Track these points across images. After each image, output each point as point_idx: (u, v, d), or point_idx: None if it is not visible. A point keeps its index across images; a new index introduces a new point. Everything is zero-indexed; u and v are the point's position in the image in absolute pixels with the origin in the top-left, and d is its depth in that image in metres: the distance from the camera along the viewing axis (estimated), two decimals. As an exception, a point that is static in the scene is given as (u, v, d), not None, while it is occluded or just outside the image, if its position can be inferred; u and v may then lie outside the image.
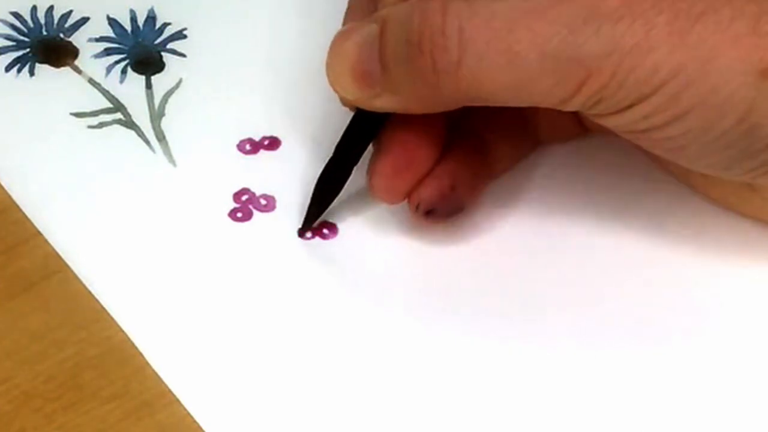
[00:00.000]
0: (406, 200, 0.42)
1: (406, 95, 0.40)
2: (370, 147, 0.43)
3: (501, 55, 0.37)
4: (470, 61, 0.38)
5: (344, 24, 0.43)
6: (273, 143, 0.46)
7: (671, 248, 0.43)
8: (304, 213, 0.43)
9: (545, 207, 0.44)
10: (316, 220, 0.44)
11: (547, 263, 0.43)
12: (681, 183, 0.44)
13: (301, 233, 0.44)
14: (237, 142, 0.46)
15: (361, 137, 0.42)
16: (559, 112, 0.39)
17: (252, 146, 0.46)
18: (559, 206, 0.45)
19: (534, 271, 0.43)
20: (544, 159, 0.46)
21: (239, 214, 0.44)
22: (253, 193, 0.45)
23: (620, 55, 0.36)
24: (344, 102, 0.42)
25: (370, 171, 0.42)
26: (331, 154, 0.43)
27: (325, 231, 0.44)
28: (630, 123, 0.38)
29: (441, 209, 0.42)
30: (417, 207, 0.42)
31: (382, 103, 0.40)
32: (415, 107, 0.40)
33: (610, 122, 0.38)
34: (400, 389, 0.40)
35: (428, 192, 0.42)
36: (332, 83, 0.41)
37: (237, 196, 0.45)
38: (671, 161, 0.41)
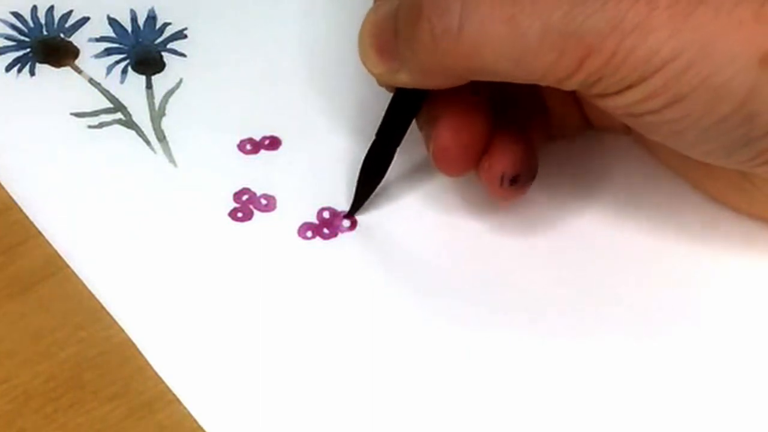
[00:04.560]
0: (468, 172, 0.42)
1: (411, 64, 0.39)
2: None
3: (503, 24, 0.37)
4: (471, 28, 0.37)
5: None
6: (273, 143, 0.46)
7: (675, 246, 0.43)
8: (351, 197, 0.44)
9: (548, 204, 0.44)
10: (363, 204, 0.44)
11: (549, 261, 0.43)
12: (680, 177, 0.44)
13: (350, 216, 0.44)
14: (237, 141, 0.46)
15: (402, 117, 0.42)
16: (567, 104, 0.38)
17: (252, 146, 0.46)
18: (560, 203, 0.45)
19: (535, 269, 0.43)
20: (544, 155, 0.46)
21: (239, 214, 0.44)
22: (254, 193, 0.45)
23: (622, 34, 0.36)
24: (379, 82, 0.42)
25: (432, 147, 0.42)
26: (370, 141, 0.43)
27: (325, 231, 0.44)
28: (629, 105, 0.38)
29: (524, 174, 0.42)
30: (501, 179, 0.41)
31: (401, 77, 0.40)
32: (423, 79, 0.40)
33: (609, 104, 0.38)
34: (399, 389, 0.40)
35: (506, 160, 0.41)
36: (361, 59, 0.41)
37: (237, 195, 0.45)
38: (670, 155, 0.41)
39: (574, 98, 0.44)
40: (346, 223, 0.44)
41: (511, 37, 0.37)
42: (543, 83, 0.38)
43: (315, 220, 0.44)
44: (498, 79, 0.39)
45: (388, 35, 0.40)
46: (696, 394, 0.40)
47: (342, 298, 0.42)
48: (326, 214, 0.44)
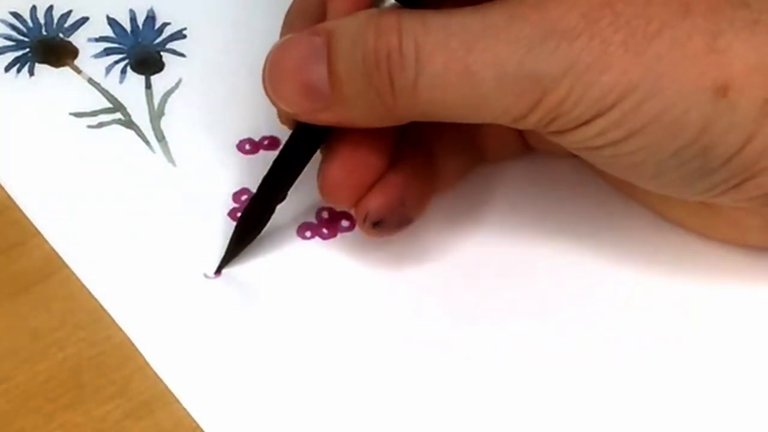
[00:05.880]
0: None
1: (358, 110, 0.39)
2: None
3: (458, 76, 0.37)
4: (426, 81, 0.37)
5: (282, 36, 0.42)
6: (273, 143, 0.46)
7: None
8: (224, 250, 0.43)
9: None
10: (236, 256, 0.43)
11: (551, 260, 0.43)
12: (639, 204, 0.44)
13: (218, 273, 0.43)
14: (237, 142, 0.46)
15: (301, 154, 0.41)
16: (505, 128, 0.39)
17: (252, 146, 0.46)
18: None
19: (536, 269, 0.43)
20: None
21: (239, 214, 0.44)
22: (253, 193, 0.45)
23: (576, 74, 0.36)
24: (282, 118, 0.42)
25: (320, 174, 0.41)
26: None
27: (325, 231, 0.44)
28: (586, 139, 0.38)
29: (389, 222, 0.41)
30: (365, 218, 0.41)
31: (327, 117, 0.39)
32: (366, 122, 0.39)
33: (566, 139, 0.38)
34: (399, 389, 0.40)
35: (376, 204, 0.41)
36: (274, 97, 0.40)
37: (237, 196, 0.45)
38: (623, 182, 0.41)
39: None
40: (345, 223, 0.44)
41: (467, 87, 0.37)
42: (497, 123, 0.38)
43: (314, 221, 0.44)
44: (451, 121, 0.39)
45: (318, 77, 0.39)
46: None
47: (341, 298, 0.42)
48: (325, 215, 0.44)
